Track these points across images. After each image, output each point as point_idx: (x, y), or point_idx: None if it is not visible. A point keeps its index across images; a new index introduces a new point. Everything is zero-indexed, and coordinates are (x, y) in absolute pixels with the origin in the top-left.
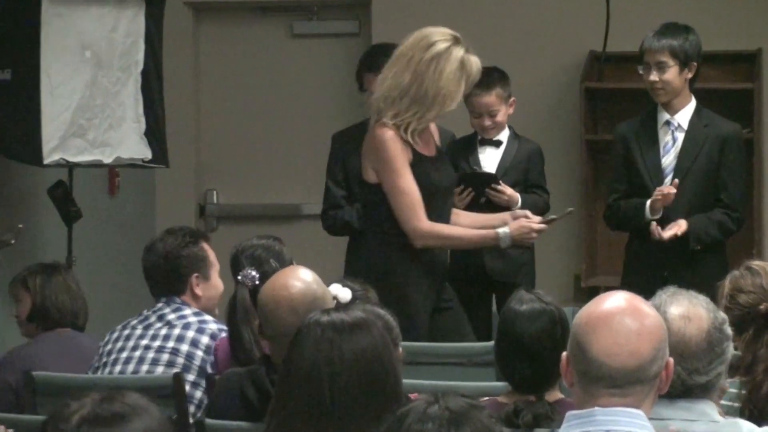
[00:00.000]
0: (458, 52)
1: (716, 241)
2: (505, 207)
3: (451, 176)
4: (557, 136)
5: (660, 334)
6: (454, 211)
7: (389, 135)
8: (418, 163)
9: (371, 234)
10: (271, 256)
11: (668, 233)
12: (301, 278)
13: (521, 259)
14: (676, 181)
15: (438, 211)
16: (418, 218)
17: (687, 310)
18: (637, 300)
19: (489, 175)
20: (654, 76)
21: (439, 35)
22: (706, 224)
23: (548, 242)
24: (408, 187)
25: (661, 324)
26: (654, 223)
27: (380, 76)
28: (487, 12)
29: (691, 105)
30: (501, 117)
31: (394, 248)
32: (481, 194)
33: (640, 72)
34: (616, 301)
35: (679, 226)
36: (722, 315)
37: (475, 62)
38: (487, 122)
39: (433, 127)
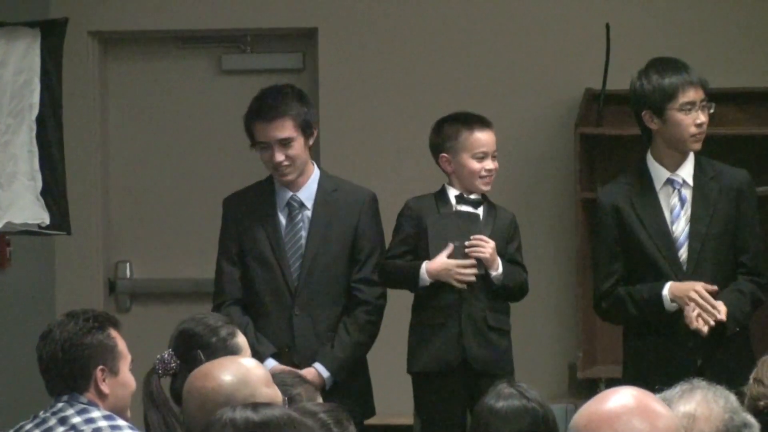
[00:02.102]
0: None
1: (749, 317)
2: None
3: None
4: (545, 194)
5: None
6: None
7: None
8: None
9: None
10: (209, 338)
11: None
12: (233, 371)
13: (502, 346)
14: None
15: None
16: None
17: (695, 407)
18: (649, 398)
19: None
20: (703, 117)
21: None
22: (740, 301)
23: (537, 324)
24: None
25: (677, 426)
26: (691, 312)
27: None
28: (456, 43)
29: (691, 156)
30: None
31: None
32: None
33: (680, 114)
34: (622, 398)
35: (719, 309)
36: (745, 418)
37: None
38: (491, 165)
39: None
